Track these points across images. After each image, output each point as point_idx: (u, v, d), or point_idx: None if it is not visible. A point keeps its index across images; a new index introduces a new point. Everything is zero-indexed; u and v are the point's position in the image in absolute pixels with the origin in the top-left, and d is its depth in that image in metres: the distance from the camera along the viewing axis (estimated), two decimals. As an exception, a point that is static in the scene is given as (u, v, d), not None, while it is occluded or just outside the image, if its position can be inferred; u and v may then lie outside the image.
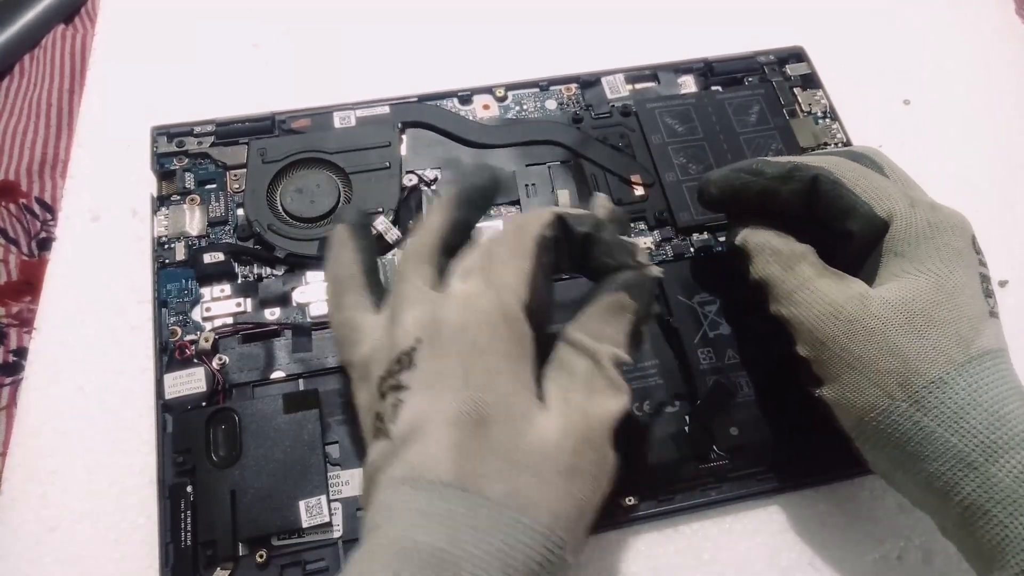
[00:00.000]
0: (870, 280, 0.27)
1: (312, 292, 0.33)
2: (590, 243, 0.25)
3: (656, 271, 0.26)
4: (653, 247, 0.35)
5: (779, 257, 0.28)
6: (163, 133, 0.36)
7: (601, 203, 0.27)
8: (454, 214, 0.26)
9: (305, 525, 0.28)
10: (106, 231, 0.35)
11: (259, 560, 0.27)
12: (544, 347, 0.24)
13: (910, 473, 0.25)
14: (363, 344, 0.25)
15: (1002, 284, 0.37)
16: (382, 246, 0.34)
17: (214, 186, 0.35)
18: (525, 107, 0.39)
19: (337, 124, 0.37)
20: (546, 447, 0.22)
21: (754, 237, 0.29)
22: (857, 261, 0.28)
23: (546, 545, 0.21)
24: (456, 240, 0.26)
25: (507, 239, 0.24)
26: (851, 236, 0.27)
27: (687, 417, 0.30)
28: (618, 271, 0.25)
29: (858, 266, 0.27)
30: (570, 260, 0.26)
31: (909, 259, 0.26)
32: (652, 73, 0.41)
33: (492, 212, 0.36)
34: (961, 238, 0.27)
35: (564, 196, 0.36)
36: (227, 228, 0.34)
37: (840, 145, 0.39)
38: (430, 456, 0.21)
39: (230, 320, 0.32)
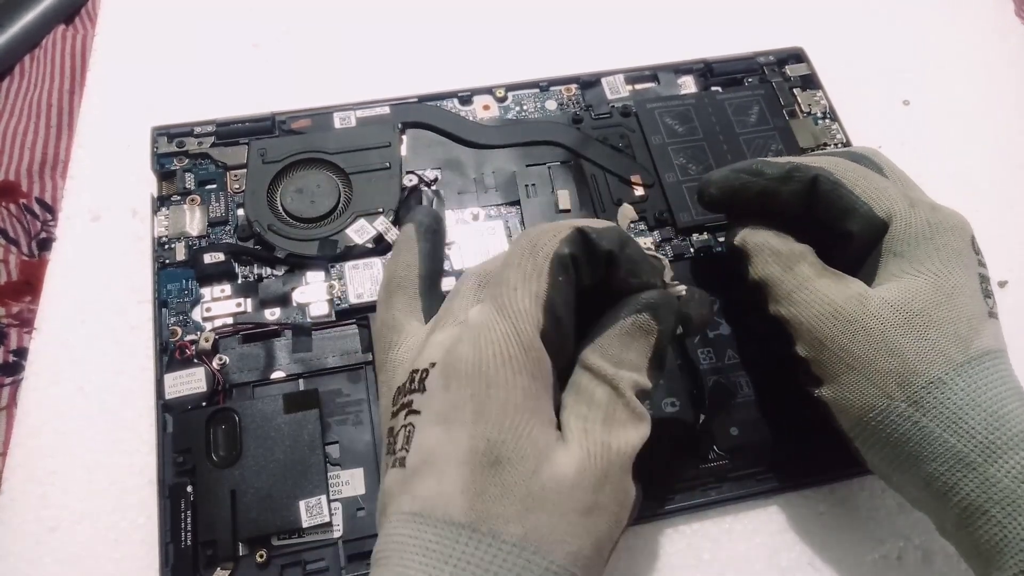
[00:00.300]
0: (869, 280, 0.27)
1: (312, 292, 0.33)
2: (614, 261, 0.23)
3: (682, 290, 0.25)
4: (653, 247, 0.35)
5: (778, 257, 0.28)
6: (163, 133, 0.36)
7: (627, 214, 0.27)
8: None
9: (305, 525, 0.28)
10: (106, 231, 0.35)
11: (259, 560, 0.27)
12: (567, 370, 0.23)
13: (909, 473, 0.25)
14: (398, 348, 0.24)
15: (1001, 284, 0.37)
16: (382, 246, 0.34)
17: (214, 186, 0.35)
18: (525, 107, 0.39)
19: (337, 124, 0.37)
20: (563, 485, 0.20)
21: (753, 237, 0.29)
22: (857, 261, 0.28)
23: None
24: None
25: (519, 260, 0.22)
26: (851, 236, 0.27)
27: (695, 416, 0.30)
28: (640, 290, 0.23)
29: (857, 266, 0.27)
30: (592, 278, 0.23)
31: (908, 259, 0.26)
32: (652, 74, 0.41)
33: (493, 213, 0.36)
34: (960, 238, 0.27)
35: (564, 196, 0.36)
36: (227, 228, 0.34)
37: (840, 146, 0.39)
38: (441, 494, 0.20)
39: (230, 320, 0.32)
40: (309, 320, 0.32)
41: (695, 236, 0.35)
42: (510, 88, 0.39)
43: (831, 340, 0.26)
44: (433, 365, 0.22)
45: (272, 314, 0.32)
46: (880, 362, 0.25)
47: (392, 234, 0.34)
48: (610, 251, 0.23)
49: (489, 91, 0.39)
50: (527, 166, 0.37)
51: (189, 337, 0.31)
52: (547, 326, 0.21)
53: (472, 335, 0.21)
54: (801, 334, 0.27)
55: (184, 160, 0.36)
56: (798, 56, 0.42)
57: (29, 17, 0.43)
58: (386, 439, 0.23)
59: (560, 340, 0.22)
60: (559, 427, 0.22)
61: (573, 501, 0.20)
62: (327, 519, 0.28)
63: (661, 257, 0.25)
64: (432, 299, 0.26)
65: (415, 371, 0.22)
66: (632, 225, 0.35)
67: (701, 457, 0.30)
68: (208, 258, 0.33)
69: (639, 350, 0.23)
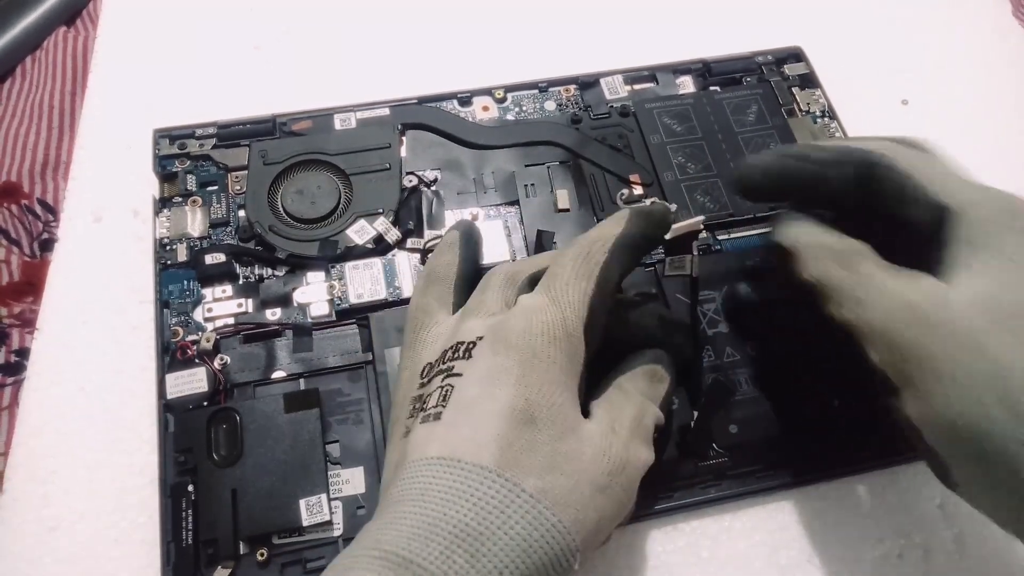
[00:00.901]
0: (938, 275, 0.24)
1: (313, 292, 0.33)
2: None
3: (670, 205, 0.28)
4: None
5: (836, 255, 0.25)
6: (165, 135, 0.36)
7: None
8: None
9: (306, 524, 0.28)
10: (108, 232, 0.35)
11: (260, 559, 0.27)
12: (592, 366, 0.25)
13: (1005, 493, 0.22)
14: (428, 330, 0.27)
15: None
16: (382, 247, 0.34)
17: (215, 188, 0.35)
18: (524, 108, 0.39)
19: (338, 126, 0.38)
20: (583, 458, 0.23)
21: (804, 235, 0.26)
22: (920, 254, 0.25)
23: (563, 546, 0.21)
24: None
25: (574, 261, 0.25)
26: (914, 226, 0.24)
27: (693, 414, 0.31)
28: (654, 346, 0.27)
29: (921, 260, 0.24)
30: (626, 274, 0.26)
31: (987, 248, 0.23)
32: (650, 74, 0.41)
33: (493, 213, 0.36)
34: None
35: (563, 196, 0.36)
36: (228, 229, 0.34)
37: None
38: (474, 441, 0.22)
39: (231, 320, 0.32)
40: (310, 320, 0.32)
41: (694, 235, 0.35)
42: (509, 89, 0.40)
43: (913, 345, 0.22)
44: (480, 338, 0.24)
45: (273, 314, 0.32)
46: (973, 369, 0.22)
47: (392, 235, 0.34)
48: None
49: (488, 92, 0.39)
50: (526, 166, 0.37)
51: (190, 337, 0.31)
52: (589, 321, 0.24)
53: (525, 314, 0.24)
54: (873, 340, 0.24)
55: (185, 162, 0.36)
56: (796, 55, 0.42)
57: (30, 19, 0.44)
58: (409, 406, 0.25)
59: (594, 335, 0.24)
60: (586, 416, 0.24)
61: (590, 476, 0.22)
62: (327, 518, 0.28)
63: (666, 204, 0.28)
64: (463, 297, 0.28)
65: (459, 343, 0.25)
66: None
67: (700, 455, 0.30)
68: (209, 259, 0.33)
69: (657, 392, 0.26)
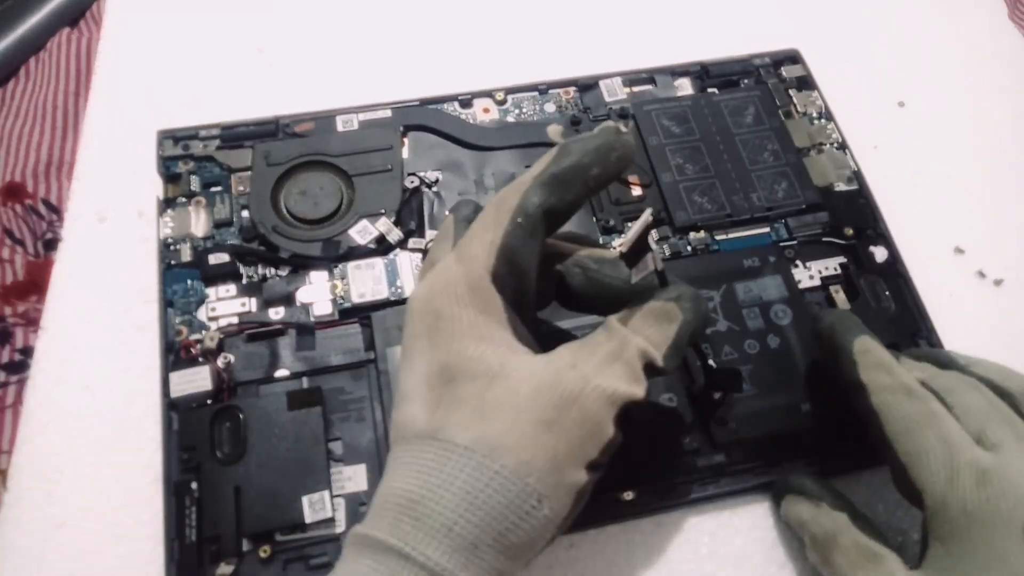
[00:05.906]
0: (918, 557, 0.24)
1: (315, 292, 0.33)
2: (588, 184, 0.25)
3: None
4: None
5: (815, 543, 0.26)
6: (169, 136, 0.37)
7: (554, 132, 0.27)
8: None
9: (308, 521, 0.28)
10: (112, 232, 0.36)
11: (263, 555, 0.28)
12: (536, 306, 0.26)
13: None
14: None
15: (997, 283, 0.37)
16: (384, 247, 0.35)
17: (219, 188, 0.36)
18: (524, 110, 0.40)
19: (340, 127, 0.38)
20: (518, 399, 0.22)
21: (792, 511, 0.28)
22: None
23: (515, 490, 0.21)
24: None
25: (484, 214, 0.25)
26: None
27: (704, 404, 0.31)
28: (674, 285, 0.25)
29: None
30: (569, 206, 0.25)
31: (948, 550, 0.23)
32: (649, 76, 0.41)
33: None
34: (1006, 533, 0.22)
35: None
36: (232, 230, 0.35)
37: (836, 146, 0.39)
38: (408, 414, 0.23)
39: (235, 320, 0.32)
40: (312, 319, 0.33)
41: (692, 234, 0.36)
42: (509, 91, 0.40)
43: None
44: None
45: (276, 313, 0.33)
46: None
47: (394, 235, 0.35)
48: (575, 179, 0.25)
49: (489, 94, 0.40)
50: (526, 167, 0.37)
51: (194, 336, 0.32)
52: (499, 269, 0.24)
53: (427, 280, 0.25)
54: None
55: (189, 163, 0.36)
56: (793, 58, 0.42)
57: (34, 20, 0.44)
58: None
59: (517, 281, 0.24)
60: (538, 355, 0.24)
61: (529, 414, 0.22)
62: (330, 515, 0.28)
63: (617, 125, 0.27)
64: None
65: None
66: (631, 225, 0.36)
67: (699, 452, 0.30)
68: (213, 259, 0.33)
69: (660, 331, 0.24)
